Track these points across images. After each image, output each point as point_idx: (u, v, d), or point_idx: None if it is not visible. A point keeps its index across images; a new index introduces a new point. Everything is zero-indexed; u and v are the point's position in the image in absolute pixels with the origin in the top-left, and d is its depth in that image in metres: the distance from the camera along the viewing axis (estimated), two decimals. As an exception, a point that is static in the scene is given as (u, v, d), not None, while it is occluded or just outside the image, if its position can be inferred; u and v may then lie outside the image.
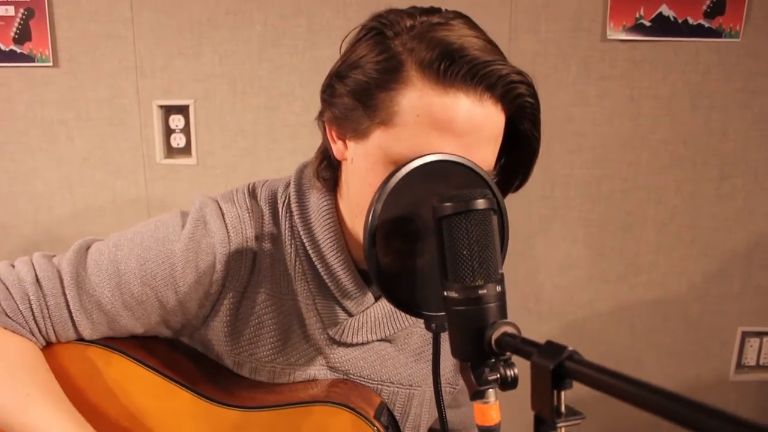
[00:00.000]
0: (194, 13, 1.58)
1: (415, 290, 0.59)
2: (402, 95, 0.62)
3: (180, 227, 0.75)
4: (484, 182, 0.60)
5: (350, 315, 0.78)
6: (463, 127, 0.62)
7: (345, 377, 0.81)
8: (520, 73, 0.63)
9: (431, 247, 0.57)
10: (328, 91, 0.69)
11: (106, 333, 0.76)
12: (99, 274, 0.73)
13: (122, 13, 1.58)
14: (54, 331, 0.74)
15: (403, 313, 0.79)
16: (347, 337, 0.78)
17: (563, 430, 0.41)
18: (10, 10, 1.58)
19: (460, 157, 0.60)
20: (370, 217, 0.57)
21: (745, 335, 1.81)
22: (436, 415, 0.84)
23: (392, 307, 0.76)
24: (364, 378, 0.82)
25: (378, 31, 0.66)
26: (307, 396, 0.77)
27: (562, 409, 0.40)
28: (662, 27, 1.61)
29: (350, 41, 0.70)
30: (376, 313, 0.79)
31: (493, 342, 0.47)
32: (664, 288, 1.77)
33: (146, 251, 0.73)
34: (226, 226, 0.75)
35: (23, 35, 1.59)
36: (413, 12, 0.66)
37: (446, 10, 0.67)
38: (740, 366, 1.84)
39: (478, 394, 0.48)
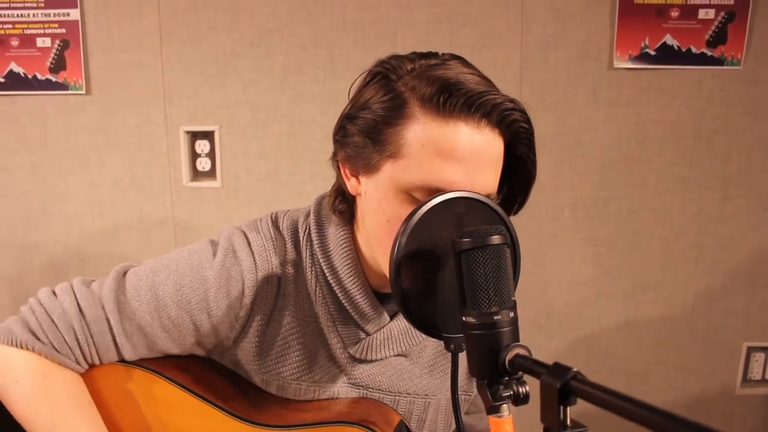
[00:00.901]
0: (219, 44, 1.73)
1: (435, 314, 0.67)
2: (407, 129, 0.71)
3: (212, 255, 0.84)
4: (497, 215, 0.68)
5: (368, 334, 0.87)
6: (465, 153, 0.70)
7: (365, 392, 0.91)
8: (512, 101, 0.72)
9: (449, 276, 0.66)
10: (341, 132, 0.79)
11: (145, 354, 0.85)
12: (138, 299, 0.81)
13: (152, 44, 1.73)
14: (98, 356, 0.83)
15: (415, 330, 0.88)
16: (367, 354, 0.88)
17: None
18: (47, 42, 1.74)
19: (476, 193, 0.67)
20: (395, 250, 0.65)
21: (751, 350, 1.95)
22: (453, 422, 0.98)
23: (406, 324, 0.88)
24: (383, 391, 0.91)
25: (383, 75, 0.75)
26: (331, 415, 0.86)
27: (568, 422, 0.48)
28: (666, 56, 1.75)
29: (358, 86, 0.80)
30: (392, 331, 0.88)
31: (507, 363, 0.55)
32: (670, 304, 1.90)
33: (182, 278, 0.82)
34: (253, 255, 0.84)
35: (58, 65, 1.75)
36: (413, 57, 0.76)
37: (443, 53, 0.77)
38: (746, 380, 1.97)
39: (493, 409, 0.56)
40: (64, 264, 1.85)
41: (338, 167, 0.82)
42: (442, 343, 0.88)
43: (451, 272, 0.65)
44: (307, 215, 0.89)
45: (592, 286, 1.89)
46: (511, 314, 0.58)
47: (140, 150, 1.78)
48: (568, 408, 0.48)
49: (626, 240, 1.86)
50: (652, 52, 1.75)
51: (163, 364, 0.87)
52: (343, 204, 0.84)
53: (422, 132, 0.71)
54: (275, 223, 0.89)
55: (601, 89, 1.78)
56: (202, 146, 1.79)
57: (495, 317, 0.57)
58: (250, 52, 1.74)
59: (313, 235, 0.85)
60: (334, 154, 0.82)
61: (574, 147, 1.79)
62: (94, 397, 0.84)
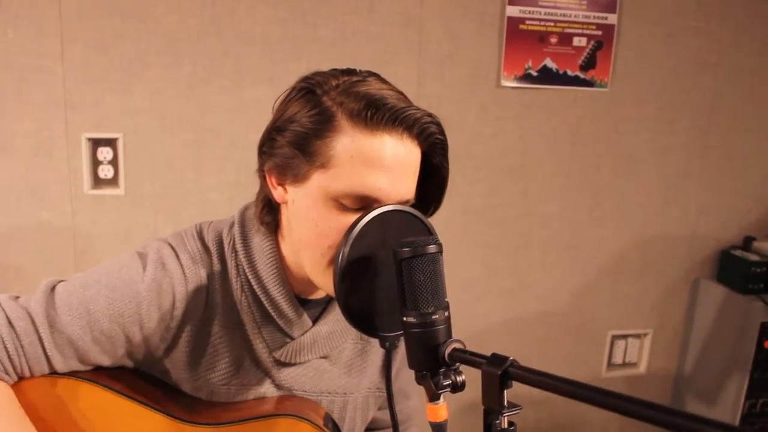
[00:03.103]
0: (125, 52, 1.90)
1: (373, 316, 0.80)
2: (336, 141, 0.83)
3: (141, 269, 0.93)
4: (424, 226, 0.84)
5: (292, 338, 0.99)
6: (390, 162, 0.83)
7: (289, 392, 1.03)
8: (430, 115, 0.86)
9: (386, 280, 0.79)
10: (268, 144, 0.90)
11: (76, 366, 0.92)
12: (70, 313, 0.89)
13: (52, 48, 1.86)
14: (29, 368, 0.89)
15: (336, 333, 1.03)
16: (292, 358, 1.00)
17: (506, 418, 0.62)
18: (-68, 43, 1.82)
19: (406, 207, 0.84)
20: (339, 259, 0.77)
21: (614, 338, 2.43)
22: (368, 417, 1.18)
23: (329, 328, 1.01)
24: (306, 392, 1.04)
25: (308, 90, 0.86)
26: (264, 410, 0.99)
27: (505, 403, 0.61)
28: (547, 77, 2.16)
29: (282, 100, 0.90)
30: (314, 335, 1.00)
31: (446, 356, 0.69)
32: (548, 301, 2.34)
33: (113, 291, 0.90)
34: (183, 268, 0.94)
35: (-55, 67, 1.83)
36: (335, 73, 0.88)
37: (360, 70, 0.89)
38: (610, 364, 2.46)
39: (435, 397, 0.71)
40: (-49, 274, 1.94)
41: (264, 177, 0.93)
42: (359, 344, 1.13)
43: (386, 277, 0.79)
44: (231, 226, 0.99)
45: (481, 285, 2.28)
46: (446, 313, 0.72)
47: (37, 156, 1.91)
48: (506, 391, 0.61)
49: (511, 243, 2.27)
50: (534, 73, 2.14)
51: (94, 374, 0.95)
52: (268, 214, 0.96)
53: (351, 144, 0.82)
54: (200, 235, 0.99)
55: (490, 105, 2.15)
56: (105, 153, 1.95)
57: (433, 316, 0.71)
58: (157, 61, 1.92)
59: (238, 246, 0.96)
60: (261, 165, 0.93)
61: (465, 158, 2.15)
62: (27, 410, 0.90)
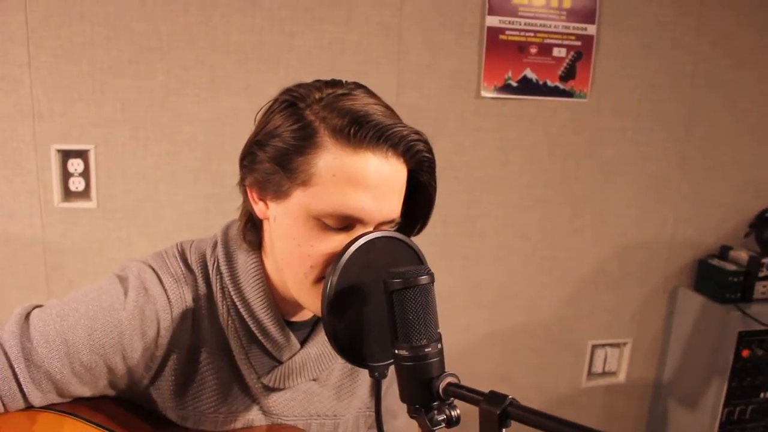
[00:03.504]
0: (95, 60, 1.84)
1: (363, 346, 0.78)
2: (318, 158, 0.79)
3: (123, 295, 0.87)
4: (414, 253, 0.82)
5: (280, 362, 0.95)
6: (374, 181, 0.79)
7: (279, 419, 0.99)
8: (417, 132, 0.82)
9: (374, 310, 0.77)
10: (248, 158, 0.85)
11: (55, 400, 0.86)
12: (47, 346, 0.82)
13: (18, 56, 1.80)
14: (3, 403, 0.82)
15: (326, 355, 0.99)
16: (281, 383, 0.96)
17: None
18: None
19: (396, 233, 0.81)
20: (327, 289, 0.74)
21: (594, 347, 2.43)
22: None
23: (318, 351, 0.98)
24: (296, 416, 1.00)
25: (290, 103, 0.83)
26: None
27: None
28: (526, 87, 2.14)
29: (264, 113, 0.87)
30: (303, 358, 0.97)
31: (441, 391, 0.67)
32: (528, 312, 2.33)
33: (93, 321, 0.84)
34: (166, 292, 0.89)
35: None
36: (319, 85, 0.84)
37: (347, 81, 0.86)
38: (590, 374, 2.45)
39: None
40: None
41: (246, 192, 0.89)
42: (348, 366, 1.08)
43: (374, 306, 0.77)
44: (215, 246, 0.95)
45: (461, 297, 2.25)
46: (438, 346, 0.70)
47: (4, 168, 1.84)
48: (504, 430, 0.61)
49: (491, 254, 2.25)
50: (514, 84, 2.13)
51: (74, 406, 0.89)
52: (252, 230, 0.92)
53: (333, 161, 0.79)
54: (183, 256, 0.94)
55: (469, 116, 2.13)
56: (76, 165, 1.89)
57: (425, 349, 0.69)
58: (128, 70, 1.86)
59: (223, 268, 0.92)
60: (242, 179, 0.89)
61: (445, 169, 2.10)
62: None
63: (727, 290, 2.26)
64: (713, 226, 2.43)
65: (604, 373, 2.48)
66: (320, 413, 1.04)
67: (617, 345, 2.47)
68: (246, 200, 0.91)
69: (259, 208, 0.88)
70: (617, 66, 2.20)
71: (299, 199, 0.81)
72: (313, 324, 1.01)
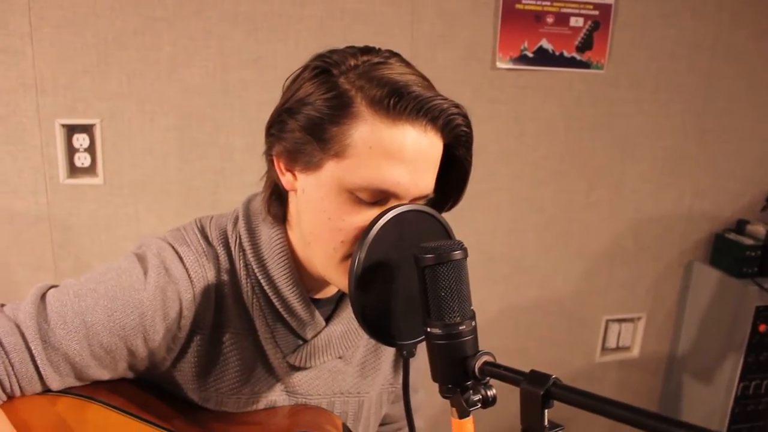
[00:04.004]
0: (99, 31, 1.76)
1: (391, 324, 0.75)
2: (354, 129, 0.76)
3: (143, 275, 0.83)
4: (443, 228, 0.79)
5: (305, 341, 0.92)
6: (411, 155, 0.76)
7: (303, 399, 0.97)
8: (457, 106, 0.79)
9: (404, 286, 0.74)
10: (277, 126, 0.82)
11: (73, 383, 0.84)
12: (64, 327, 0.79)
13: (19, 27, 1.72)
14: (20, 387, 0.80)
15: (351, 332, 0.96)
16: (305, 362, 0.93)
17: None
18: None
19: (425, 206, 0.78)
20: (354, 265, 0.72)
21: (608, 322, 2.39)
22: (382, 414, 1.12)
23: (343, 328, 0.95)
24: (320, 395, 0.98)
25: (323, 69, 0.79)
26: (278, 427, 0.92)
27: (546, 423, 0.58)
28: (543, 58, 2.07)
29: (294, 79, 0.83)
30: (329, 336, 0.94)
31: (476, 370, 0.65)
32: (542, 286, 2.29)
33: (113, 301, 0.81)
34: (188, 272, 0.85)
35: None
36: (354, 52, 0.80)
37: (380, 49, 0.82)
38: (604, 349, 2.42)
39: (465, 414, 0.67)
40: None
41: (271, 162, 0.85)
42: (372, 342, 1.05)
43: (403, 282, 0.75)
44: (236, 221, 0.91)
45: (475, 271, 2.19)
46: (473, 323, 0.67)
47: (8, 144, 1.78)
48: (546, 410, 0.58)
49: (506, 228, 2.20)
50: (530, 54, 2.06)
51: (94, 390, 0.86)
52: (276, 202, 0.88)
53: (370, 133, 0.75)
54: (203, 232, 0.91)
55: (484, 88, 2.06)
56: (81, 140, 1.82)
57: (459, 327, 0.66)
58: (134, 41, 1.79)
59: (245, 244, 0.88)
60: (268, 149, 0.85)
61: (460, 142, 2.06)
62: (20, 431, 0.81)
63: (744, 264, 2.22)
64: (730, 199, 2.38)
65: (618, 348, 2.45)
66: (344, 391, 1.01)
67: (631, 320, 2.43)
68: (272, 171, 0.86)
69: (286, 179, 0.84)
70: (635, 36, 2.13)
71: (332, 171, 0.78)
72: (336, 300, 0.97)
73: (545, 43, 2.06)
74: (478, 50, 2.03)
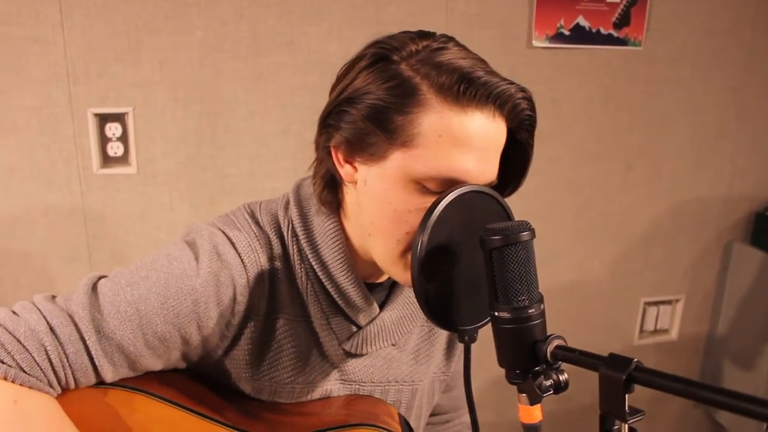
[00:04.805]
0: (130, 18, 1.73)
1: (453, 309, 0.74)
2: (422, 117, 0.74)
3: (194, 260, 0.82)
4: (502, 209, 0.78)
5: (360, 327, 0.91)
6: (480, 142, 0.75)
7: (357, 386, 0.96)
8: (523, 90, 0.77)
9: (465, 269, 0.73)
10: (335, 117, 0.80)
11: (127, 374, 0.83)
12: (118, 317, 0.78)
13: (50, 16, 1.69)
14: (74, 379, 0.78)
15: (405, 318, 0.95)
16: (361, 348, 0.92)
17: (627, 426, 0.57)
18: None
19: (485, 187, 0.76)
20: (417, 248, 0.70)
21: (646, 305, 2.35)
22: (434, 403, 1.10)
23: (398, 314, 0.94)
24: (374, 383, 0.97)
25: (382, 56, 0.77)
26: (334, 418, 0.90)
27: (627, 409, 0.56)
28: (579, 36, 2.02)
29: (349, 67, 0.81)
30: (384, 322, 0.92)
31: (548, 354, 0.63)
32: (580, 270, 2.24)
33: (166, 289, 0.80)
34: (241, 256, 0.84)
35: (-66, 39, 1.65)
36: (413, 36, 0.79)
37: (436, 33, 0.81)
38: (642, 331, 2.38)
39: (536, 400, 0.65)
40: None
41: (328, 153, 0.83)
42: (425, 329, 1.03)
43: (465, 266, 0.74)
44: (287, 206, 0.90)
45: (512, 256, 2.16)
46: (541, 306, 0.66)
47: (41, 135, 1.75)
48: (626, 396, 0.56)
49: (542, 211, 2.15)
50: (567, 32, 2.00)
51: (145, 382, 0.85)
52: (330, 194, 0.87)
53: (439, 122, 0.74)
54: (254, 217, 0.90)
55: (520, 67, 2.01)
56: (114, 129, 1.79)
57: (528, 311, 0.64)
58: (165, 27, 1.75)
59: (298, 229, 0.87)
60: (326, 140, 0.82)
61: (496, 124, 2.02)
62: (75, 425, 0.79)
63: (786, 243, 2.17)
64: (771, 177, 2.33)
65: (655, 331, 2.41)
66: (399, 379, 1.00)
67: (669, 302, 2.39)
68: (327, 162, 0.84)
69: (345, 171, 0.82)
70: (673, 10, 2.07)
71: (398, 161, 0.76)
72: (389, 286, 0.96)
73: (582, 20, 2.00)
74: (514, 29, 1.98)
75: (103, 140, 1.80)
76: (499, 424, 2.27)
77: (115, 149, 1.81)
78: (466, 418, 1.20)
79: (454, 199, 0.72)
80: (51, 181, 1.79)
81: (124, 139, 1.81)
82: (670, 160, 2.22)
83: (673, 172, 2.24)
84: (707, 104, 2.19)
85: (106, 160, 1.82)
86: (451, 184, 0.75)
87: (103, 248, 1.87)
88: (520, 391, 0.67)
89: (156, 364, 0.84)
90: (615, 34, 2.04)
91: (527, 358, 0.65)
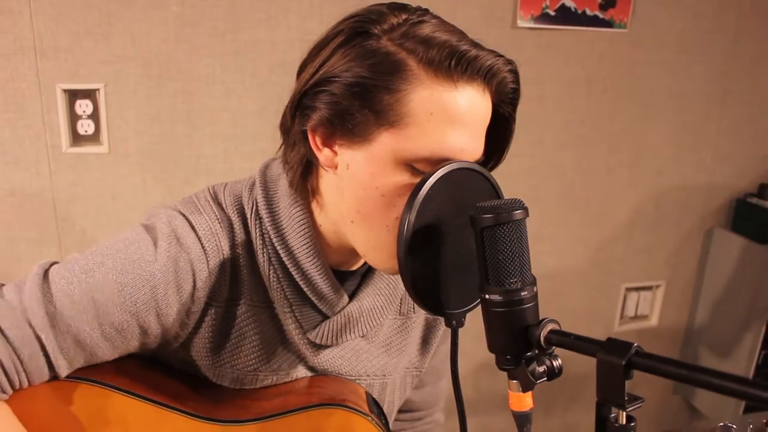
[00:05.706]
0: (102, -11, 1.65)
1: (440, 292, 0.70)
2: (411, 94, 0.70)
3: (152, 245, 0.78)
4: (491, 186, 0.74)
5: (327, 317, 0.87)
6: (471, 118, 0.71)
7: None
8: (510, 62, 0.75)
9: (452, 250, 0.70)
10: (311, 97, 0.74)
11: (81, 366, 0.79)
12: (72, 307, 0.74)
13: (15, -15, 1.61)
14: (29, 381, 0.75)
15: (377, 309, 0.91)
16: (327, 339, 0.88)
17: (625, 413, 0.55)
18: None
19: (473, 164, 0.72)
20: (404, 229, 0.67)
21: (627, 291, 2.34)
22: (405, 398, 1.05)
23: (368, 305, 0.89)
24: (342, 375, 0.93)
25: (360, 31, 0.72)
26: (299, 399, 0.87)
27: (625, 396, 0.54)
28: (564, 17, 1.98)
29: (324, 42, 0.75)
30: (352, 313, 0.88)
31: (542, 339, 0.61)
32: (563, 256, 2.22)
33: (122, 275, 0.76)
34: (201, 241, 0.80)
35: None
36: (391, 9, 0.74)
37: (411, 5, 0.76)
38: (623, 317, 2.37)
39: (529, 387, 0.63)
40: None
41: (304, 137, 0.77)
42: (398, 320, 0.99)
43: (452, 246, 0.70)
44: (251, 188, 0.85)
45: (494, 241, 2.13)
46: (534, 289, 0.63)
47: (6, 111, 1.68)
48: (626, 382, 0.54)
49: (526, 195, 2.09)
50: (552, 13, 1.97)
51: (100, 372, 0.81)
52: (303, 178, 0.82)
53: (430, 98, 0.70)
54: (216, 199, 0.85)
55: (504, 48, 1.92)
56: (84, 107, 1.72)
57: (520, 293, 0.61)
58: (138, 0, 1.68)
59: (263, 212, 0.83)
60: (301, 122, 0.76)
61: (479, 106, 1.98)
62: (25, 423, 0.75)
63: None
64: (752, 163, 2.32)
65: (636, 317, 2.40)
66: (369, 372, 0.96)
67: (650, 288, 2.38)
68: (302, 147, 0.79)
69: (324, 155, 0.76)
70: (659, -8, 2.05)
71: (387, 142, 0.71)
72: (362, 274, 0.91)
73: (567, 1, 1.97)
74: (498, 8, 1.94)
75: (73, 118, 1.73)
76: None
77: (85, 127, 1.74)
78: (438, 416, 1.18)
79: (442, 176, 0.69)
80: (18, 160, 1.72)
81: (95, 116, 1.74)
82: (653, 145, 2.20)
83: (656, 157, 2.22)
84: (691, 89, 2.17)
85: (76, 138, 1.75)
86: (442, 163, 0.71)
87: (73, 230, 1.80)
88: (511, 377, 0.65)
89: (113, 355, 0.80)
90: (601, 15, 2.01)
91: (519, 343, 0.62)
